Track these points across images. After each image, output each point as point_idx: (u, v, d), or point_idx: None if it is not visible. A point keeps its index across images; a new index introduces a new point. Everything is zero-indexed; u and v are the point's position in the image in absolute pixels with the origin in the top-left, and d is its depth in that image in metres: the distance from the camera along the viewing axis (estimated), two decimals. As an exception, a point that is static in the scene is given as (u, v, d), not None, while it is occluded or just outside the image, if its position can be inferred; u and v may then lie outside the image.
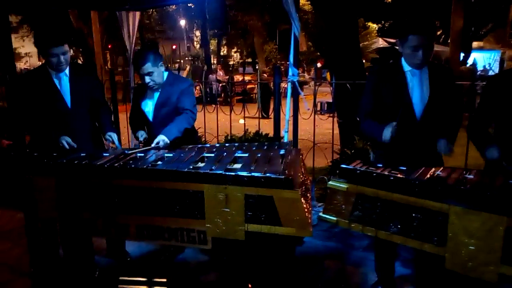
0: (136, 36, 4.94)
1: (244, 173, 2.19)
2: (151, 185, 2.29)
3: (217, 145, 3.07)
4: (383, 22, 18.29)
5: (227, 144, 3.04)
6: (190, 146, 2.88)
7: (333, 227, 3.75)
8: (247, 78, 17.81)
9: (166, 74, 3.01)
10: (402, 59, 2.52)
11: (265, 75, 15.44)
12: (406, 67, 2.50)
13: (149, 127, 3.07)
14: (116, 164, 2.39)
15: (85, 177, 2.38)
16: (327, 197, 2.31)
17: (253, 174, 2.17)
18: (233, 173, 2.21)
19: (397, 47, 2.60)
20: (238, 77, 18.87)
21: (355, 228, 2.21)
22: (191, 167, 2.33)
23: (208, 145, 3.03)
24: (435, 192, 1.86)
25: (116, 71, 5.40)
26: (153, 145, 2.75)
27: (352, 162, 2.31)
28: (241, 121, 4.90)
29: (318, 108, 12.29)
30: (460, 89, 3.39)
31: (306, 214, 2.24)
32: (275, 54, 29.10)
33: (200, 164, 2.45)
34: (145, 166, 2.34)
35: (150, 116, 3.04)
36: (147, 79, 2.89)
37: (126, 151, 2.69)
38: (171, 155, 2.62)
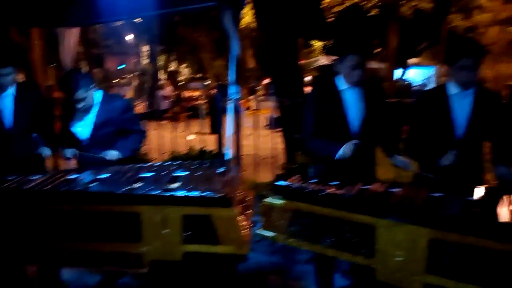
0: (80, 51, 4.81)
1: (182, 193, 2.18)
2: (84, 208, 2.21)
3: (157, 164, 3.03)
4: (326, 39, 18.95)
5: (167, 163, 3.00)
6: (129, 165, 2.82)
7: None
8: (196, 94, 17.75)
9: (99, 93, 2.94)
10: (339, 77, 2.62)
11: (215, 90, 15.48)
12: (343, 86, 2.61)
13: (84, 148, 2.97)
14: (47, 187, 2.29)
15: (13, 202, 2.26)
16: (264, 213, 2.35)
17: (190, 194, 2.17)
18: (170, 194, 2.19)
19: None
20: (187, 93, 18.74)
21: (292, 244, 2.25)
22: (127, 188, 2.28)
23: (148, 164, 2.97)
24: (363, 206, 1.95)
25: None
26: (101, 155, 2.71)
27: (289, 178, 2.37)
28: (190, 137, 4.88)
29: (267, 123, 12.48)
30: (395, 104, 3.58)
31: (244, 231, 2.26)
32: (224, 70, 29.15)
33: (137, 185, 2.39)
34: (77, 189, 2.26)
35: (84, 137, 2.94)
36: (79, 104, 2.83)
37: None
38: (107, 175, 2.55)
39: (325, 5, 11.59)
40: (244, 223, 2.41)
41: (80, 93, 2.78)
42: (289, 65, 4.80)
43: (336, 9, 11.32)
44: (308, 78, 17.98)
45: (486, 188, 2.08)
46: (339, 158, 2.47)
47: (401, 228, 1.85)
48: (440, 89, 2.50)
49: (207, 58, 28.43)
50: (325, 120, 2.61)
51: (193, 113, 12.84)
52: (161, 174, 2.53)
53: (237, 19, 3.29)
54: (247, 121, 3.99)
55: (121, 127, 2.91)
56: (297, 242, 2.22)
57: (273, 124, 13.65)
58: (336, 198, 2.04)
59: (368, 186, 2.14)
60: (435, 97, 2.50)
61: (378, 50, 13.23)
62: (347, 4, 11.15)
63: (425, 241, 1.78)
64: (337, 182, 2.23)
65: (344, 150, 2.46)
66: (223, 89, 3.71)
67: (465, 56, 2.31)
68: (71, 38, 4.51)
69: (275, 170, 4.70)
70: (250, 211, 2.72)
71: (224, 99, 3.71)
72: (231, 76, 3.46)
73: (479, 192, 2.01)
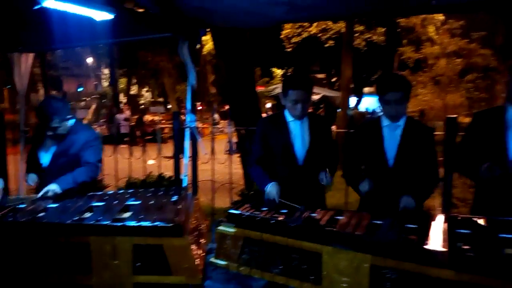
0: (37, 72, 4.72)
1: (132, 223, 2.18)
2: (32, 238, 2.16)
3: (110, 192, 3.00)
4: (286, 68, 19.51)
5: (120, 191, 2.98)
6: (80, 195, 2.78)
7: (232, 269, 3.79)
8: (157, 118, 17.57)
9: (72, 122, 2.92)
10: (285, 111, 2.75)
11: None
12: (289, 118, 2.73)
13: (43, 174, 2.92)
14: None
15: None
16: (217, 241, 2.37)
17: (141, 223, 2.17)
18: (121, 224, 2.18)
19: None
20: (148, 117, 18.52)
21: (244, 272, 2.28)
22: (76, 218, 2.25)
23: (100, 193, 2.94)
24: (310, 233, 2.02)
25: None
26: (41, 194, 2.63)
27: (243, 205, 2.43)
28: (150, 161, 4.84)
29: (227, 149, 12.55)
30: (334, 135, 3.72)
31: (196, 261, 2.27)
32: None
33: (87, 215, 2.36)
34: (24, 219, 2.21)
35: (46, 163, 2.91)
36: (50, 132, 2.81)
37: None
38: (57, 205, 2.50)
39: (284, 35, 11.98)
40: (198, 251, 2.43)
41: (55, 122, 2.79)
42: (246, 93, 4.93)
43: (295, 39, 11.71)
44: (269, 105, 18.36)
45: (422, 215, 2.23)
46: (266, 197, 2.57)
47: (345, 255, 1.93)
48: (376, 120, 2.67)
49: (169, 82, 28.31)
50: (272, 149, 2.72)
51: (154, 138, 12.66)
52: (113, 203, 2.52)
53: (193, 50, 3.38)
54: (207, 146, 4.04)
55: (77, 158, 2.89)
56: (249, 270, 2.25)
57: (232, 149, 13.75)
58: (284, 226, 2.10)
59: (315, 214, 2.23)
60: (371, 128, 2.67)
61: (334, 79, 13.80)
62: (304, 35, 11.57)
63: (367, 267, 1.87)
64: (285, 211, 2.30)
65: (270, 189, 2.56)
66: (177, 117, 3.76)
67: (392, 91, 2.48)
68: (26, 60, 4.42)
69: (233, 197, 4.73)
70: (204, 239, 2.74)
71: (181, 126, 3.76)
72: (188, 104, 3.53)
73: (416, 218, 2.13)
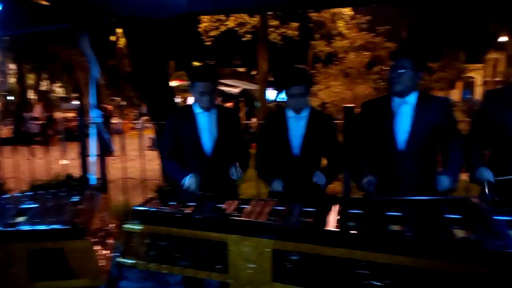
0: None
1: (27, 227, 2.04)
2: None
3: (6, 196, 2.78)
4: (206, 61, 19.39)
5: (17, 195, 2.77)
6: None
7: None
8: (71, 115, 16.54)
9: None
10: (194, 103, 2.74)
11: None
12: (198, 109, 2.73)
13: None
14: None
15: None
16: (124, 240, 2.31)
17: (37, 227, 2.04)
18: (14, 229, 2.03)
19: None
20: (61, 114, 17.34)
21: (152, 268, 2.25)
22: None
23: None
24: (215, 224, 2.05)
25: None
26: None
27: (148, 202, 2.39)
28: (63, 161, 4.56)
29: (150, 144, 12.23)
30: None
31: (101, 262, 2.20)
32: (103, 90, 27.87)
33: (-24, 222, 2.17)
34: None
35: None
36: None
37: None
38: None
39: (202, 29, 11.88)
40: (103, 252, 2.34)
41: None
42: (159, 87, 4.82)
43: (213, 33, 11.67)
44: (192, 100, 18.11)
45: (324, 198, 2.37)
46: (184, 189, 2.57)
47: (249, 242, 1.98)
48: (281, 112, 2.78)
49: (83, 77, 26.70)
50: (181, 142, 2.71)
51: (69, 136, 11.93)
52: (6, 207, 2.34)
53: (95, 42, 3.23)
54: (131, 142, 3.91)
55: None
56: (158, 267, 2.22)
57: (155, 145, 13.41)
58: (191, 218, 2.11)
59: (221, 205, 2.26)
60: (276, 118, 2.77)
61: (255, 73, 14.01)
62: (222, 29, 11.58)
63: (269, 251, 1.94)
64: (194, 203, 2.30)
65: (189, 182, 2.57)
66: (82, 113, 3.58)
67: (295, 85, 2.60)
68: None
69: (150, 193, 4.62)
70: (113, 239, 2.65)
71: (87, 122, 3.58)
72: (92, 99, 3.36)
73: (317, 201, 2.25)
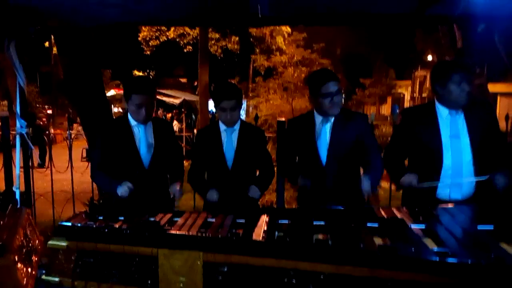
0: None
1: None
2: None
3: None
4: (148, 70, 19.08)
5: None
6: None
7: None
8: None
9: None
10: (129, 114, 2.69)
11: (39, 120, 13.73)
12: (133, 122, 2.69)
13: None
14: None
15: None
16: (48, 257, 2.21)
17: None
18: None
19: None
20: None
21: (79, 286, 2.16)
22: None
23: None
24: (144, 237, 2.02)
25: None
26: None
27: (74, 217, 2.30)
28: None
29: (85, 155, 11.72)
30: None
31: (24, 280, 2.08)
32: (36, 97, 26.38)
33: None
34: None
35: None
36: None
37: None
38: None
39: (141, 38, 11.68)
40: (26, 270, 2.22)
41: None
42: (92, 96, 4.66)
43: (153, 42, 11.52)
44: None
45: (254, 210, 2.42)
46: (120, 197, 2.54)
47: (179, 255, 1.97)
48: (215, 124, 2.82)
49: (14, 84, 24.95)
50: (115, 154, 2.65)
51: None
52: None
53: (23, 49, 3.09)
54: (63, 153, 3.71)
55: None
56: (84, 284, 2.14)
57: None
58: (119, 233, 2.06)
59: (152, 218, 2.24)
60: (210, 131, 2.81)
61: (196, 83, 13.99)
62: (163, 39, 11.47)
63: (200, 264, 1.94)
64: (122, 217, 2.25)
65: (121, 191, 2.54)
66: (7, 123, 3.39)
67: (226, 99, 2.66)
68: None
69: (81, 207, 4.43)
70: (37, 256, 2.51)
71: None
72: (17, 108, 3.20)
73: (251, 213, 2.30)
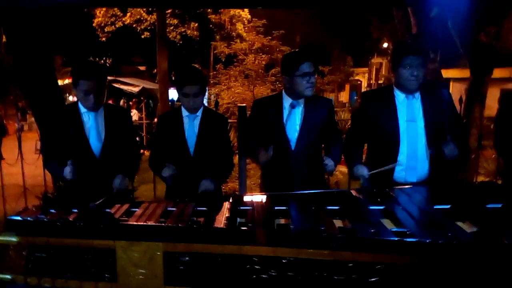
0: None
1: None
2: None
3: None
4: (105, 58, 18.43)
5: None
6: None
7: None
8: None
9: None
10: (79, 102, 2.57)
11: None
12: (83, 109, 2.57)
13: None
14: None
15: None
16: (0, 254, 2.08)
17: None
18: None
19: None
20: None
21: (32, 283, 2.05)
22: None
23: None
24: (100, 230, 1.94)
25: None
26: None
27: (24, 211, 2.18)
28: None
29: (39, 147, 11.23)
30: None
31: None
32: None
33: None
34: None
35: None
36: None
37: None
38: None
39: (96, 24, 11.21)
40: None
41: None
42: (43, 84, 4.42)
43: (108, 28, 11.09)
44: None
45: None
46: (68, 179, 2.46)
47: (138, 247, 1.91)
48: (177, 111, 2.74)
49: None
50: (66, 143, 2.53)
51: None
52: None
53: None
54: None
55: None
56: (37, 280, 2.04)
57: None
58: (73, 226, 1.97)
59: (108, 209, 2.15)
60: (172, 118, 2.74)
61: (155, 71, 13.65)
62: (119, 25, 11.06)
63: (160, 255, 1.89)
64: (76, 210, 2.15)
65: (66, 172, 2.45)
66: None
67: (189, 84, 2.59)
68: None
69: (34, 201, 4.23)
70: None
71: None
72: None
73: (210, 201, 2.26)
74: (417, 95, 2.56)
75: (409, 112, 2.55)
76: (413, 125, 2.54)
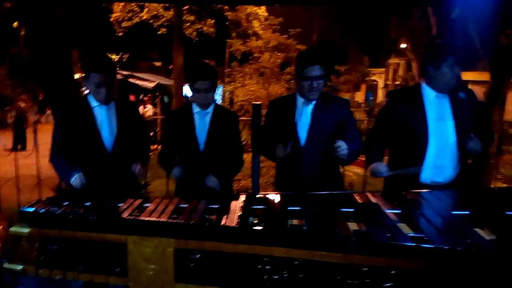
0: None
1: None
2: None
3: None
4: (122, 53, 18.55)
5: None
6: None
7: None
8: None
9: None
10: (90, 96, 2.56)
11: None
12: (94, 103, 2.56)
13: None
14: None
15: None
16: (11, 244, 2.09)
17: None
18: None
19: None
20: None
21: (43, 274, 2.07)
22: None
23: None
24: (114, 224, 1.93)
25: None
26: None
27: (37, 203, 2.19)
28: None
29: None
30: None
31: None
32: (4, 79, 25.34)
33: None
34: None
35: None
36: None
37: None
38: None
39: (113, 19, 11.29)
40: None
41: None
42: (60, 77, 4.45)
43: (125, 24, 11.16)
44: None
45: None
46: (74, 188, 2.44)
47: (150, 242, 1.90)
48: (188, 107, 2.73)
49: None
50: (76, 137, 2.53)
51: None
52: None
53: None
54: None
55: None
56: (49, 272, 2.05)
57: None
58: (85, 220, 1.96)
59: (121, 204, 2.15)
60: (183, 114, 2.72)
61: (171, 67, 13.70)
62: (136, 20, 11.13)
63: (171, 251, 1.87)
64: (89, 203, 2.15)
65: (74, 181, 2.43)
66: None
67: (200, 80, 2.57)
68: None
69: (49, 193, 4.28)
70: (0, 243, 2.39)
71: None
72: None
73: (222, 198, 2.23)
74: (447, 94, 2.49)
75: (439, 111, 2.49)
76: (442, 124, 2.48)
